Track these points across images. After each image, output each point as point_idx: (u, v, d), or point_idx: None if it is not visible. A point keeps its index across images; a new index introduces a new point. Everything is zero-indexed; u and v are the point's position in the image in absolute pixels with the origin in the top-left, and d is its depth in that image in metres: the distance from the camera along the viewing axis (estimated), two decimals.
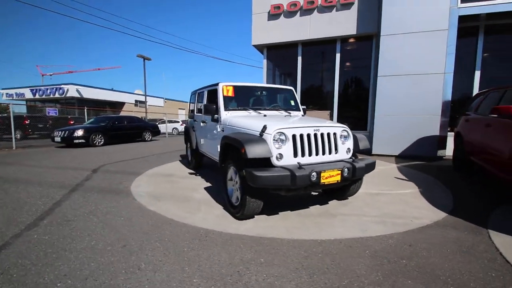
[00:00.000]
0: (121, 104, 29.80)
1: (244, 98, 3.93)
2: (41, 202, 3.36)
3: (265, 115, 3.58)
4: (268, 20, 8.55)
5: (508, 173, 3.05)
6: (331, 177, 2.62)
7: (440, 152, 6.60)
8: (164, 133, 17.01)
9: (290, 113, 4.01)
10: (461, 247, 2.24)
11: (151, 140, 12.94)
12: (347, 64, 8.24)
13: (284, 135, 2.64)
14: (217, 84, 3.93)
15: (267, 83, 8.97)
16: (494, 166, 3.51)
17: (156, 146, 10.31)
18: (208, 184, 4.23)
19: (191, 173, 5.05)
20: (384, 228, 2.62)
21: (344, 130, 3.01)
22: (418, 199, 3.50)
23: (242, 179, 2.61)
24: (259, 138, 2.60)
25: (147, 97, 23.98)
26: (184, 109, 40.95)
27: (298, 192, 2.72)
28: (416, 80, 6.61)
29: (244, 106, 3.82)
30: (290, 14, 8.26)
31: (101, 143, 10.08)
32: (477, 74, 6.97)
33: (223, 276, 1.83)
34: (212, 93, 4.17)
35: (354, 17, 7.58)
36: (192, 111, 5.54)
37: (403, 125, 6.74)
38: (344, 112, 8.36)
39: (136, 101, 32.41)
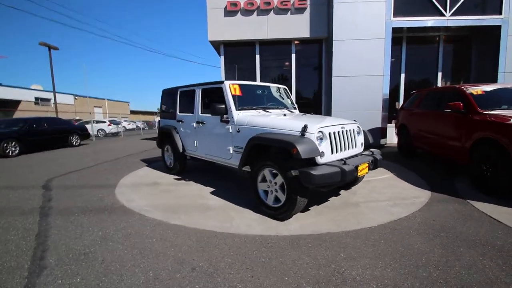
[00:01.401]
0: (16, 102, 23.67)
1: (249, 97, 3.81)
2: (18, 236, 2.49)
3: (284, 114, 3.58)
4: (224, 16, 8.34)
5: (460, 157, 4.02)
6: (363, 169, 2.90)
7: (382, 141, 7.92)
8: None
9: (292, 111, 4.13)
10: (465, 216, 2.84)
11: (79, 145, 10.88)
12: (302, 64, 8.87)
13: (323, 133, 2.75)
14: (221, 83, 3.69)
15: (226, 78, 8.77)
16: (445, 151, 4.52)
17: (94, 152, 8.77)
18: (211, 189, 3.96)
19: (177, 179, 4.59)
20: (403, 209, 3.06)
21: (358, 126, 3.34)
22: (401, 182, 4.17)
23: (290, 179, 2.59)
24: (307, 138, 2.63)
25: (51, 94, 19.73)
26: (101, 107, 35.69)
27: (333, 187, 2.89)
28: (362, 80, 7.69)
29: (250, 105, 3.72)
30: (247, 12, 8.28)
31: (16, 152, 7.89)
32: (403, 76, 8.62)
33: (327, 277, 1.84)
34: (212, 92, 3.89)
35: (307, 21, 8.20)
36: (168, 111, 4.99)
37: (356, 120, 7.75)
38: (301, 109, 8.97)
39: (36, 98, 26.35)
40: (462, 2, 7.37)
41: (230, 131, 3.49)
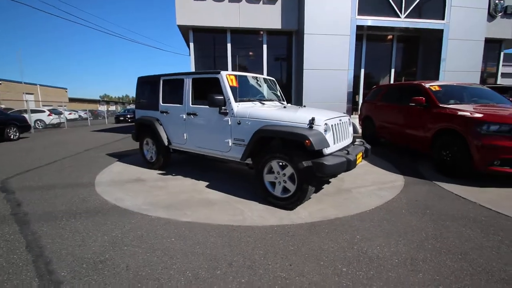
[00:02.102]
0: None
1: (243, 88, 3.76)
2: (3, 250, 2.10)
3: (285, 107, 3.62)
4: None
5: (423, 145, 4.66)
6: (359, 158, 3.17)
7: None
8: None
9: (282, 103, 4.22)
10: (438, 195, 3.35)
11: (18, 138, 9.32)
12: (273, 55, 8.97)
13: (327, 125, 2.92)
14: (217, 73, 3.56)
15: (195, 69, 8.41)
16: (410, 141, 5.16)
17: (43, 147, 7.65)
18: (204, 182, 3.86)
19: (162, 174, 4.34)
20: (388, 193, 3.46)
21: (348, 118, 3.61)
22: (376, 169, 4.66)
23: (302, 170, 2.71)
24: (316, 130, 2.76)
25: None
26: (32, 94, 30.79)
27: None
28: (331, 74, 8.17)
29: (245, 96, 3.68)
30: None
31: None
32: (362, 71, 9.38)
33: (355, 257, 2.02)
34: (205, 82, 3.73)
35: (278, 12, 8.27)
36: (148, 101, 4.62)
37: None
38: None
39: None
40: (414, 6, 8.28)
41: (230, 123, 3.42)
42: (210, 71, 3.66)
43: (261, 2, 8.14)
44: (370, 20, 8.22)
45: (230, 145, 3.47)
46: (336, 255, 2.06)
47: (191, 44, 8.33)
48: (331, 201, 3.16)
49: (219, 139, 3.57)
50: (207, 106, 3.71)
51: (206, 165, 4.93)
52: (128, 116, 19.60)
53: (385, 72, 9.67)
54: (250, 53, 9.02)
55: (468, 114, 3.90)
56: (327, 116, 2.99)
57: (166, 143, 4.28)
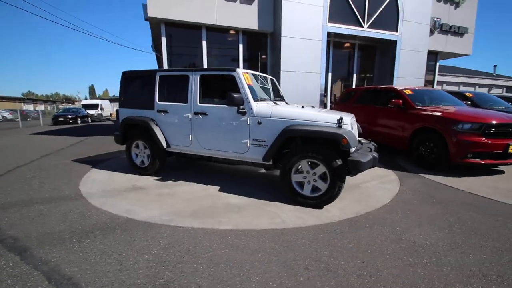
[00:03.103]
0: None
1: (255, 87, 3.66)
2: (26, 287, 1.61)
3: (303, 106, 3.61)
4: None
5: (401, 143, 5.22)
6: None
7: None
8: None
9: (287, 103, 4.23)
10: (431, 186, 3.79)
11: None
12: (249, 55, 8.92)
13: (351, 125, 3.05)
14: (232, 70, 3.39)
15: (168, 65, 7.84)
16: (388, 139, 5.71)
17: None
18: (215, 187, 3.63)
19: (160, 179, 3.93)
20: (391, 186, 3.78)
21: (354, 119, 3.82)
22: None
23: (335, 168, 2.77)
24: (346, 130, 2.85)
25: None
26: None
27: None
28: (305, 76, 8.51)
29: (257, 95, 3.58)
30: None
31: None
32: (330, 75, 10.02)
33: (410, 247, 2.15)
34: (216, 79, 3.51)
35: (255, 13, 8.26)
36: (138, 99, 4.13)
37: None
38: None
39: None
40: (374, 18, 9.20)
41: (248, 123, 3.29)
42: (224, 68, 3.47)
43: (238, 1, 8.02)
44: (338, 28, 8.83)
45: (248, 146, 3.34)
46: (392, 247, 2.16)
47: (163, 39, 7.73)
48: (350, 197, 3.30)
49: (235, 140, 3.40)
50: (219, 105, 3.51)
51: (202, 168, 4.64)
52: (69, 116, 17.21)
53: (348, 76, 10.51)
54: (226, 52, 8.80)
55: (445, 114, 4.51)
56: (348, 116, 3.12)
57: (164, 145, 3.89)
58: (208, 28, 8.10)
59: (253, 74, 3.69)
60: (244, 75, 3.38)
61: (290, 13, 7.99)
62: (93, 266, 1.87)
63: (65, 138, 9.11)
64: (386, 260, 1.98)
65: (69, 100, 55.01)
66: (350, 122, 2.99)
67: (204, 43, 8.17)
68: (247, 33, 8.59)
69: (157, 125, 3.94)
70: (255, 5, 8.20)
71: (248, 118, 3.29)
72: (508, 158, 4.21)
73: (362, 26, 9.12)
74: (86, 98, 58.45)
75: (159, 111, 3.90)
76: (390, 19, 9.47)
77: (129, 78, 4.26)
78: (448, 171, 4.40)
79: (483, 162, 4.15)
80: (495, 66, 27.30)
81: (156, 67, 26.00)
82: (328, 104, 9.90)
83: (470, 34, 11.87)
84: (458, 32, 11.54)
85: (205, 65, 8.23)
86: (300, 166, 3.00)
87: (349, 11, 8.92)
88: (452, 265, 1.91)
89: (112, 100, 30.81)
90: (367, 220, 2.67)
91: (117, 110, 4.61)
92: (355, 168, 2.71)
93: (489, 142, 4.09)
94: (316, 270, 1.85)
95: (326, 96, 10.01)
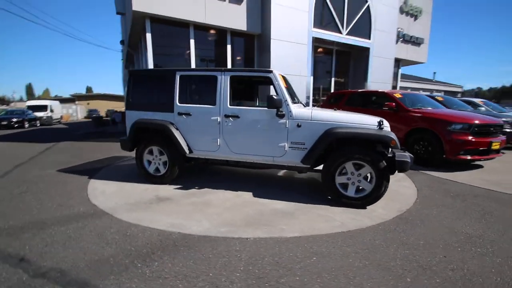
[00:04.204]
0: None
1: (288, 89, 3.59)
2: None
3: (335, 109, 3.62)
4: None
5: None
6: None
7: None
8: None
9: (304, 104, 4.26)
10: (440, 182, 4.18)
11: None
12: (237, 56, 8.76)
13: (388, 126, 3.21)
14: (269, 71, 3.30)
15: (154, 64, 7.29)
16: None
17: None
18: (246, 193, 3.49)
19: (180, 188, 3.63)
20: (407, 183, 4.06)
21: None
22: None
23: (381, 169, 2.88)
24: (388, 131, 2.98)
25: None
26: None
27: None
28: (292, 79, 8.63)
29: (291, 97, 3.53)
30: None
31: None
32: (311, 78, 10.38)
33: (468, 238, 2.34)
34: (248, 81, 3.37)
35: (243, 14, 8.17)
36: (152, 101, 3.75)
37: None
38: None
39: None
40: (352, 26, 9.82)
41: (287, 126, 3.23)
42: (259, 69, 3.37)
43: (227, 0, 7.83)
44: (321, 33, 9.21)
45: (286, 149, 3.28)
46: (456, 240, 2.33)
47: (148, 35, 7.15)
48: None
49: (271, 143, 3.31)
50: (254, 107, 3.39)
51: (215, 172, 4.42)
52: (14, 120, 14.88)
53: (327, 80, 11.03)
54: (214, 52, 8.51)
55: (439, 116, 5.02)
56: (381, 118, 3.27)
57: (186, 151, 3.60)
58: (196, 26, 7.75)
59: (285, 76, 3.64)
60: (280, 77, 3.32)
61: (279, 16, 8.09)
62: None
63: (21, 146, 7.82)
64: (461, 252, 2.13)
65: (1, 101, 47.38)
66: (387, 124, 3.14)
67: (192, 42, 7.79)
68: (235, 33, 8.44)
69: (177, 129, 3.62)
70: (244, 5, 8.10)
71: (287, 121, 3.23)
72: (490, 153, 4.86)
73: (341, 33, 9.67)
74: (22, 99, 50.98)
75: (180, 114, 3.59)
76: (364, 27, 10.21)
77: (138, 78, 3.84)
78: (440, 167, 4.89)
79: (471, 158, 4.72)
80: (434, 73, 31.32)
81: (121, 64, 23.98)
82: (311, 106, 10.24)
83: (425, 44, 13.43)
84: (417, 42, 12.97)
85: (193, 64, 7.85)
86: (344, 168, 3.05)
87: (330, 18, 9.38)
88: None
89: (61, 100, 27.54)
90: (413, 216, 2.83)
91: (122, 113, 4.12)
92: (402, 167, 2.85)
93: (477, 140, 4.67)
94: (413, 269, 1.90)
95: (309, 98, 10.36)
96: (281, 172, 4.55)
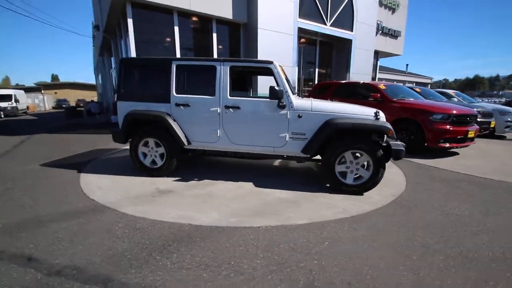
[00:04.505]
0: None
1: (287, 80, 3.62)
2: None
3: (332, 100, 3.70)
4: None
5: None
6: None
7: None
8: None
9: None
10: (424, 168, 4.49)
11: None
12: (222, 45, 8.57)
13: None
14: (269, 62, 3.30)
15: (136, 52, 6.94)
16: None
17: None
18: (247, 183, 3.52)
19: (178, 180, 3.58)
20: (396, 170, 4.32)
21: None
22: None
23: (378, 158, 3.05)
24: (385, 121, 3.14)
25: None
26: None
27: None
28: None
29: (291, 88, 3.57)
30: None
31: None
32: (296, 69, 10.46)
33: (471, 216, 2.58)
34: (247, 71, 3.35)
35: (229, 2, 7.97)
36: (145, 91, 3.61)
37: None
38: None
39: None
40: (335, 18, 9.95)
41: (288, 116, 3.28)
42: (259, 60, 3.37)
43: None
44: (306, 24, 9.26)
45: (286, 140, 3.34)
46: (449, 221, 2.55)
47: (129, 21, 6.76)
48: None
49: (272, 134, 3.35)
50: (254, 98, 3.38)
51: (209, 164, 4.40)
52: None
53: (311, 71, 11.18)
54: (199, 40, 8.25)
55: (421, 107, 5.33)
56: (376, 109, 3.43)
57: (185, 142, 3.54)
58: (180, 13, 7.45)
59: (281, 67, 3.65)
60: (280, 68, 3.33)
61: (265, 5, 7.99)
62: (218, 281, 1.66)
63: None
64: (455, 232, 2.34)
65: None
66: (383, 115, 3.30)
67: (176, 29, 7.50)
68: (221, 22, 8.24)
69: (174, 120, 3.54)
70: None
71: (288, 112, 3.27)
72: (466, 141, 5.28)
73: (326, 24, 9.79)
74: None
75: (177, 105, 3.50)
76: (347, 19, 10.41)
77: (131, 66, 3.66)
78: (421, 155, 5.24)
79: (449, 146, 5.11)
80: (407, 65, 32.80)
81: (91, 51, 22.42)
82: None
83: (402, 37, 13.99)
84: (394, 34, 13.47)
85: (177, 53, 7.59)
86: (343, 157, 3.18)
87: (315, 9, 9.44)
88: (501, 225, 2.39)
89: (25, 90, 25.43)
90: (407, 201, 3.04)
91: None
92: (398, 156, 3.03)
93: (456, 129, 5.04)
94: (417, 248, 2.07)
95: (294, 89, 10.45)
96: (277, 162, 4.64)
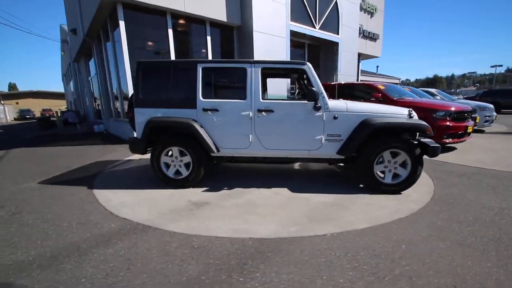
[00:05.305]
0: None
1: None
2: None
3: (361, 101, 3.67)
4: None
5: None
6: None
7: None
8: None
9: None
10: (438, 164, 4.66)
11: None
12: (217, 48, 8.35)
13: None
14: (303, 64, 3.22)
15: (129, 56, 6.51)
16: None
17: None
18: (282, 188, 3.39)
19: (207, 190, 3.35)
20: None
21: None
22: None
23: (417, 156, 3.08)
24: (418, 119, 3.19)
25: None
26: None
27: None
28: None
29: None
30: None
31: None
32: None
33: (502, 212, 2.67)
34: (278, 73, 3.24)
35: (223, 4, 7.80)
36: (167, 97, 3.34)
37: None
38: None
39: None
40: (323, 21, 10.18)
41: (324, 118, 3.21)
42: (292, 61, 3.24)
43: None
44: (297, 27, 9.36)
45: (322, 142, 3.26)
46: (495, 214, 2.63)
47: (121, 23, 6.32)
48: None
49: (308, 136, 3.26)
50: (288, 101, 3.28)
51: (226, 170, 4.20)
52: None
53: None
54: (193, 43, 7.95)
55: (425, 105, 5.56)
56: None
57: (214, 150, 3.32)
58: (174, 15, 7.14)
59: None
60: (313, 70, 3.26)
61: (260, 8, 7.95)
62: None
63: None
64: (507, 223, 2.41)
65: None
66: (415, 114, 3.35)
67: (170, 32, 7.17)
68: (214, 24, 8.03)
69: (201, 126, 3.31)
70: None
71: (323, 114, 3.21)
72: (464, 136, 5.60)
73: (315, 27, 9.97)
74: None
75: (205, 110, 3.28)
76: (334, 22, 10.71)
77: (149, 70, 3.37)
78: None
79: (452, 141, 5.38)
80: (377, 66, 34.75)
81: (59, 57, 20.78)
82: None
83: (380, 40, 14.71)
84: (373, 37, 14.12)
85: (172, 56, 7.25)
86: (381, 157, 3.17)
87: (305, 13, 9.58)
88: None
89: None
90: (444, 197, 3.10)
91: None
92: (435, 153, 3.08)
93: (457, 125, 5.33)
94: (486, 243, 2.08)
95: (288, 91, 10.49)
96: (297, 165, 4.55)
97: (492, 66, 33.64)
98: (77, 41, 10.44)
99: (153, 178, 3.87)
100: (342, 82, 7.67)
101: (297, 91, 4.24)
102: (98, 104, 11.69)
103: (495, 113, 8.60)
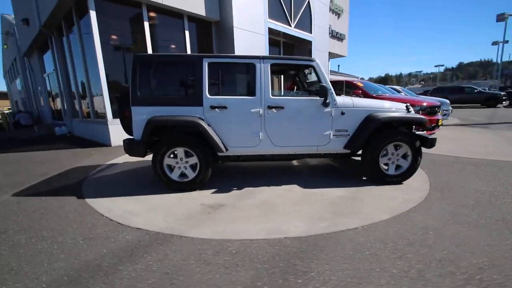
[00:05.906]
0: None
1: None
2: None
3: (360, 96, 3.78)
4: None
5: None
6: None
7: None
8: None
9: None
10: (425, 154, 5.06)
11: None
12: (195, 44, 8.00)
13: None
14: (311, 60, 3.22)
15: (102, 50, 5.92)
16: None
17: None
18: (292, 185, 3.38)
19: (216, 192, 3.20)
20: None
21: None
22: None
23: (417, 148, 3.31)
24: (416, 113, 3.42)
25: None
26: None
27: None
28: None
29: None
30: None
31: None
32: None
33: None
34: (287, 69, 3.20)
35: None
36: (170, 94, 3.10)
37: None
38: None
39: None
40: (298, 20, 10.38)
41: (332, 114, 3.26)
42: (301, 57, 3.21)
43: None
44: (275, 24, 9.41)
45: (330, 137, 3.32)
46: (493, 197, 2.93)
47: (92, 14, 5.70)
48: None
49: (317, 132, 3.30)
50: (298, 97, 3.26)
51: (227, 168, 4.07)
52: None
53: None
54: (170, 37, 7.50)
55: (403, 100, 5.99)
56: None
57: (223, 149, 3.18)
58: (150, 7, 6.67)
59: None
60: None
61: (238, 4, 7.82)
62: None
63: None
64: (506, 203, 2.70)
65: None
66: (412, 108, 3.59)
67: (146, 24, 6.69)
68: (193, 19, 7.70)
69: (208, 124, 3.14)
70: None
71: (332, 109, 3.26)
72: (435, 129, 6.18)
73: (291, 26, 10.14)
74: None
75: (212, 107, 3.11)
76: (307, 22, 11.00)
77: (148, 65, 3.08)
78: None
79: (426, 133, 5.89)
80: (338, 65, 36.67)
81: (0, 45, 18.05)
82: None
83: (346, 40, 15.51)
84: (340, 37, 14.83)
85: (149, 50, 6.77)
86: (385, 150, 3.33)
87: (281, 11, 9.67)
88: None
89: None
90: (441, 184, 3.37)
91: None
92: (432, 144, 3.33)
93: (431, 118, 5.84)
94: (497, 222, 2.31)
95: None
96: (295, 161, 4.58)
97: (436, 66, 37.60)
98: (29, 33, 9.17)
99: (150, 182, 3.60)
100: (336, 79, 7.92)
101: (295, 88, 4.25)
102: (56, 104, 10.45)
103: (451, 108, 9.63)
